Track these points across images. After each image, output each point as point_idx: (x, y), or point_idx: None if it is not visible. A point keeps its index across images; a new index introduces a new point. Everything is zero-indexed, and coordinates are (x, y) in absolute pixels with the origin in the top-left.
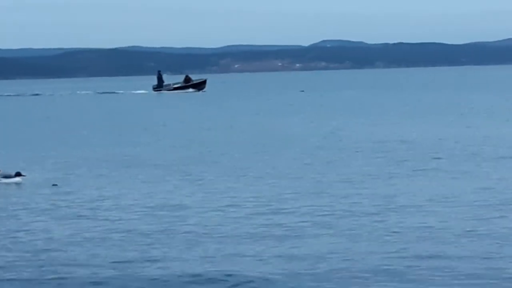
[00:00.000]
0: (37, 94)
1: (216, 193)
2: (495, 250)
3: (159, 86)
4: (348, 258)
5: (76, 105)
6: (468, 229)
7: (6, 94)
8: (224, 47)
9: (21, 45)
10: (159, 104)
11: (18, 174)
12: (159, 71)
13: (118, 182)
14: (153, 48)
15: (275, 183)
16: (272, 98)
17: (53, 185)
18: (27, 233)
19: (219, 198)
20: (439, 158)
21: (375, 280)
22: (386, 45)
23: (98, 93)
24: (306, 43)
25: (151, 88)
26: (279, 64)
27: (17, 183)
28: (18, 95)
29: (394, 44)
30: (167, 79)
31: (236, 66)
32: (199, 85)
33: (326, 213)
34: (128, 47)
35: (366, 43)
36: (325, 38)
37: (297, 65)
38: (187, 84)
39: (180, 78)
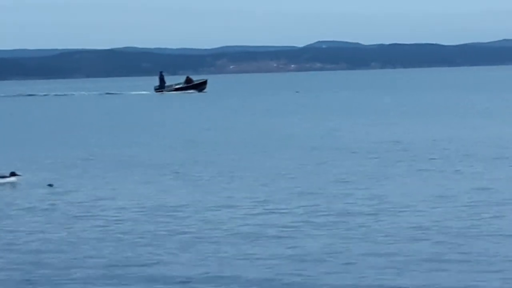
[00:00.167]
0: (32, 95)
1: (212, 194)
2: (490, 250)
3: (161, 87)
4: (344, 257)
5: (76, 106)
6: (462, 229)
7: (2, 95)
8: (220, 47)
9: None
10: (160, 105)
11: (13, 174)
12: (161, 72)
13: (114, 183)
14: (149, 48)
15: (270, 184)
16: (267, 99)
17: (49, 185)
18: (21, 233)
19: (215, 198)
20: (434, 159)
21: (371, 279)
22: (381, 46)
23: (100, 94)
24: (301, 44)
25: (153, 89)
26: (274, 65)
27: (12, 183)
28: (14, 96)
29: (389, 45)
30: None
31: (231, 67)
32: (200, 86)
33: (321, 213)
34: (124, 47)
35: (362, 44)
36: (320, 39)
37: (292, 66)
38: (188, 84)
39: (176, 79)
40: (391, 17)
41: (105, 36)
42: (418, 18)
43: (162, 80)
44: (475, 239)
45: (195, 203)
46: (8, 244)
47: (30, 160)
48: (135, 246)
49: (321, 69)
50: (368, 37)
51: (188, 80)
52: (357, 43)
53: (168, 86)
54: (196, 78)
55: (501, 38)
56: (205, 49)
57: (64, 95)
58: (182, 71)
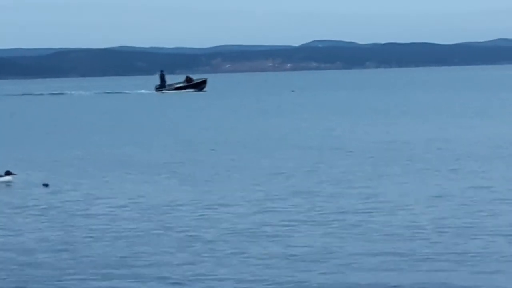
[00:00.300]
0: (29, 94)
1: (208, 193)
2: (487, 249)
3: (162, 86)
4: (340, 257)
5: (76, 105)
6: (459, 228)
7: None
8: (215, 47)
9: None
10: (160, 104)
11: (8, 173)
12: (161, 71)
13: (110, 182)
14: (144, 48)
15: (266, 183)
16: (263, 99)
17: (44, 184)
18: (16, 233)
19: (211, 197)
20: (429, 158)
21: (367, 279)
22: (376, 45)
23: (99, 93)
24: (296, 43)
25: (153, 88)
26: (270, 64)
27: (7, 182)
28: (12, 95)
29: (384, 44)
30: (159, 79)
31: (227, 66)
32: (200, 85)
33: (318, 212)
34: (119, 47)
35: (357, 43)
36: (316, 38)
37: (288, 65)
38: (188, 84)
39: (172, 78)
40: (386, 17)
41: (101, 36)
42: (413, 17)
43: (162, 79)
44: (471, 239)
45: (192, 202)
46: (2, 243)
47: (25, 160)
48: (131, 246)
49: (316, 68)
50: (363, 37)
51: (188, 80)
52: (353, 43)
53: (169, 85)
54: (193, 77)
55: (496, 38)
56: (200, 49)
57: (60, 93)
58: (178, 71)
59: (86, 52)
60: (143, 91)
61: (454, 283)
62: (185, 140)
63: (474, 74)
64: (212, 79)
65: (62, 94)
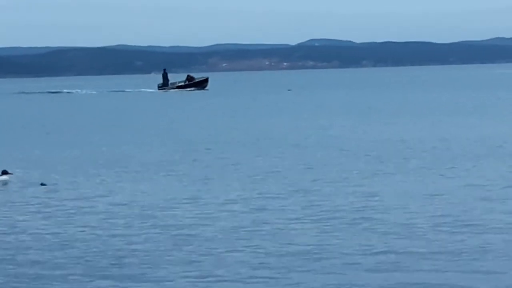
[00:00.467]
0: (32, 93)
1: (204, 192)
2: (483, 247)
3: (165, 84)
4: (338, 256)
5: (77, 105)
6: (455, 227)
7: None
8: (212, 46)
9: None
10: (160, 103)
11: (4, 172)
12: (164, 70)
13: (107, 181)
14: (141, 46)
15: (263, 182)
16: (261, 97)
17: (41, 184)
18: (12, 231)
19: (207, 196)
20: (425, 157)
21: (364, 278)
22: (373, 44)
23: (101, 91)
24: (293, 42)
25: (156, 86)
26: (267, 63)
27: (3, 182)
28: (5, 94)
29: (381, 43)
30: (155, 78)
31: (223, 65)
32: (202, 83)
33: (314, 211)
34: (116, 45)
35: (354, 42)
36: (312, 37)
37: (285, 64)
38: (190, 82)
39: (171, 77)
40: (383, 16)
41: (98, 34)
42: (410, 16)
43: (165, 78)
44: (468, 237)
45: (188, 201)
46: None
47: (22, 159)
48: (128, 244)
49: (313, 67)
50: (360, 36)
51: (190, 78)
52: (349, 41)
53: (172, 84)
54: (194, 76)
55: (493, 36)
56: (197, 47)
57: (58, 92)
58: (175, 69)
59: (83, 51)
60: (146, 89)
61: (451, 281)
62: (183, 139)
63: (471, 73)
64: (210, 78)
65: (59, 92)
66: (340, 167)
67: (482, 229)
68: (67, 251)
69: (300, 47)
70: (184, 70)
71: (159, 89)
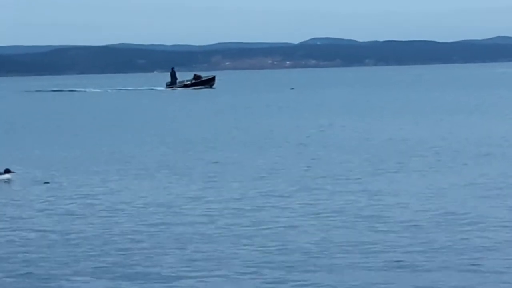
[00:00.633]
0: (39, 91)
1: (205, 191)
2: (484, 245)
3: (172, 83)
4: (337, 255)
5: (77, 104)
6: (455, 226)
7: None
8: (214, 44)
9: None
10: (166, 102)
11: (7, 171)
12: (172, 68)
13: (109, 180)
14: (143, 45)
15: (263, 181)
16: (265, 96)
17: (45, 182)
18: (15, 230)
19: (208, 196)
20: (426, 156)
21: (363, 277)
22: (376, 42)
23: (109, 90)
24: (296, 40)
25: (164, 85)
26: (269, 61)
27: (6, 180)
28: (8, 92)
29: (384, 42)
30: (157, 76)
31: (226, 63)
32: (209, 82)
33: (315, 210)
34: (118, 44)
35: (356, 41)
36: (315, 36)
37: (287, 62)
38: (198, 81)
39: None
40: (385, 14)
41: (99, 33)
42: (412, 15)
43: (173, 76)
44: (469, 235)
45: (190, 199)
46: (2, 241)
47: (26, 158)
48: (130, 243)
49: (315, 66)
50: (362, 34)
51: (197, 77)
52: (352, 40)
53: (180, 82)
54: (191, 75)
55: (495, 35)
56: (200, 46)
57: (60, 90)
58: (177, 68)
59: (85, 50)
60: (155, 88)
61: (453, 279)
62: (185, 138)
63: (473, 72)
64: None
65: (61, 91)
66: (342, 165)
67: (484, 228)
68: (69, 249)
69: (302, 45)
70: (186, 68)
71: (167, 87)
